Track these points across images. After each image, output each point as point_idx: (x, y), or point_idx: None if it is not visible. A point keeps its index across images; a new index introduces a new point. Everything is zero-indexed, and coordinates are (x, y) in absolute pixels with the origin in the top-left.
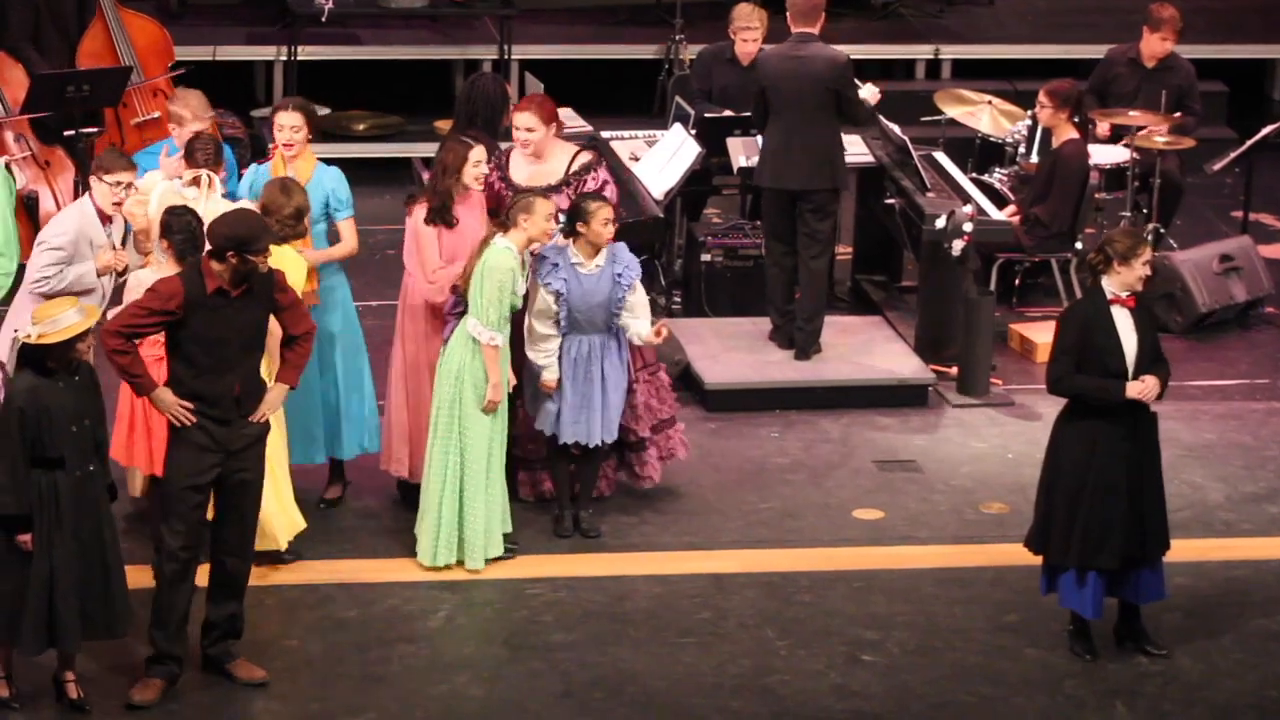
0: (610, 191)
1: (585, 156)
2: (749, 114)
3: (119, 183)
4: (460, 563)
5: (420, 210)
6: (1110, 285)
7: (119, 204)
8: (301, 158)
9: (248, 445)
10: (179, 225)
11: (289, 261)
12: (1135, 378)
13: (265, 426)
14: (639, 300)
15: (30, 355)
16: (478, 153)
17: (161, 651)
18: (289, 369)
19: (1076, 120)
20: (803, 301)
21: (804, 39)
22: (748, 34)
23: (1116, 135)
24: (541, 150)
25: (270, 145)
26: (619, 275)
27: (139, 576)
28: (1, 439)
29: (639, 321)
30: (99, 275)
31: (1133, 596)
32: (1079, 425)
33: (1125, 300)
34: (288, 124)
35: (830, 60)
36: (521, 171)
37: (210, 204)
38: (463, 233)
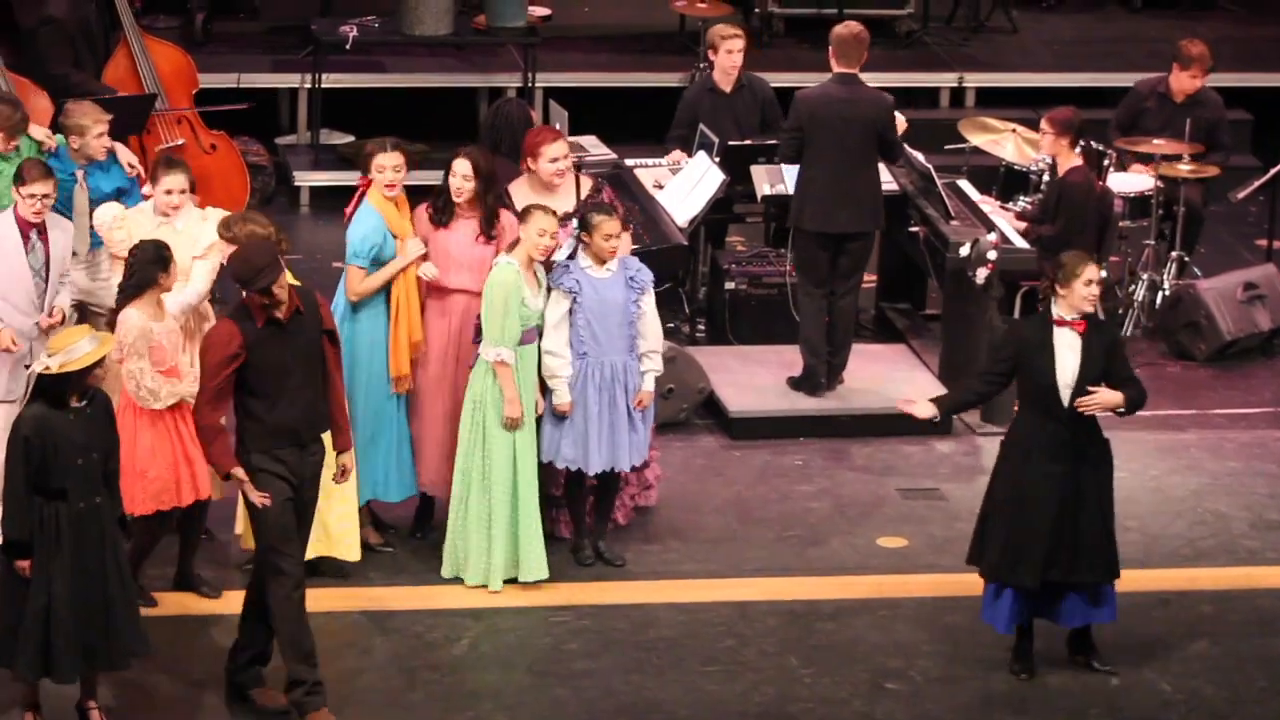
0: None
1: (589, 182)
2: (772, 141)
3: (33, 195)
4: (483, 585)
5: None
6: (1057, 308)
7: (39, 213)
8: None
9: (314, 474)
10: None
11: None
12: (1073, 401)
13: (325, 455)
14: (651, 315)
15: (45, 386)
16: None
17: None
18: (340, 433)
19: (1079, 148)
20: (832, 337)
21: (848, 79)
22: (734, 43)
23: (1123, 165)
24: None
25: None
26: (631, 278)
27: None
28: (6, 466)
29: (656, 359)
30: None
31: (1055, 620)
32: (1013, 440)
33: (1073, 323)
34: (389, 164)
35: (879, 103)
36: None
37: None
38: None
